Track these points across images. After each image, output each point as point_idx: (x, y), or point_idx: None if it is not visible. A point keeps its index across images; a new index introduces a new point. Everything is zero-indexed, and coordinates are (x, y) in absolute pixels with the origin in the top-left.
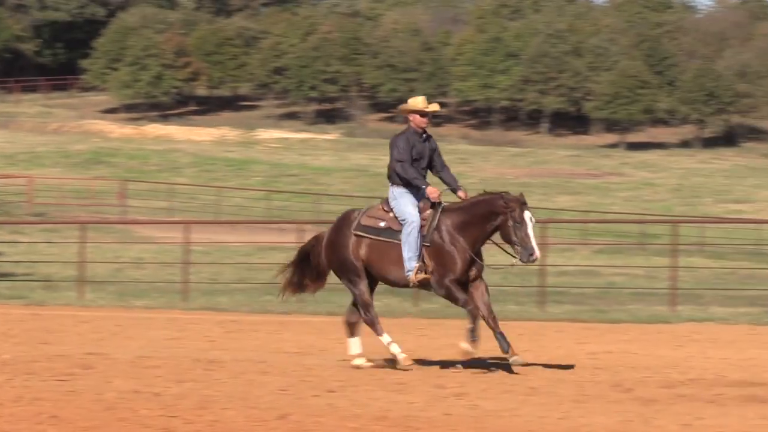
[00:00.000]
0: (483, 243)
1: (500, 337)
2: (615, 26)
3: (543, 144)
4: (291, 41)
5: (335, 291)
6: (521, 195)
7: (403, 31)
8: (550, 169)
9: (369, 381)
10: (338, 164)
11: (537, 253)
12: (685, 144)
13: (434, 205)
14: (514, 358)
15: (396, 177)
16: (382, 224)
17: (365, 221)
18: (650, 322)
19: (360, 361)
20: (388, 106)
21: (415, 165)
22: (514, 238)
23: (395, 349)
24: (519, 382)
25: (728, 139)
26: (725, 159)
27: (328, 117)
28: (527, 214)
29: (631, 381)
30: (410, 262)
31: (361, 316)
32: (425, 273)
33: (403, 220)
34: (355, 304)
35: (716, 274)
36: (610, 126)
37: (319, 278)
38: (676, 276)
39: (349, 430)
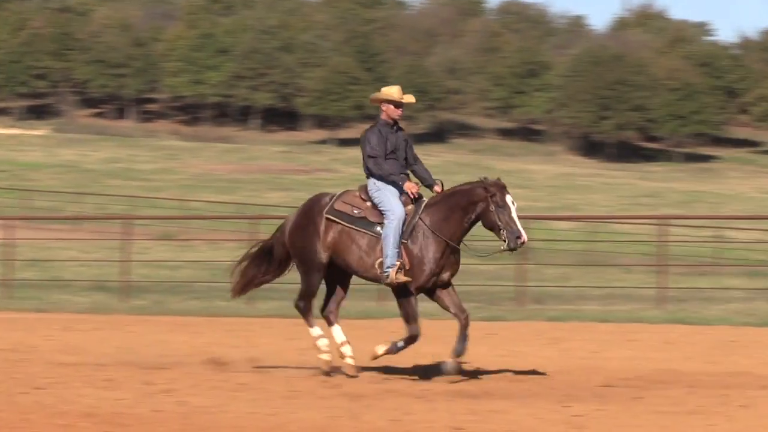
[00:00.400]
0: (465, 234)
1: (462, 339)
2: (326, 22)
3: (254, 140)
4: (0, 37)
5: (42, 288)
6: (499, 179)
7: (114, 26)
8: (260, 165)
9: (77, 378)
10: (48, 160)
11: (524, 236)
12: None
13: (415, 200)
14: (450, 364)
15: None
16: (357, 212)
17: (339, 206)
18: (359, 318)
19: (347, 349)
20: (98, 102)
21: (391, 158)
22: (499, 223)
23: (322, 343)
24: (228, 378)
25: (438, 135)
26: (435, 155)
27: (38, 113)
28: (509, 198)
29: (340, 376)
30: (390, 259)
31: (298, 302)
32: (404, 273)
33: (387, 211)
34: (328, 297)
35: None
36: (321, 122)
37: (280, 268)
38: None
39: (57, 427)
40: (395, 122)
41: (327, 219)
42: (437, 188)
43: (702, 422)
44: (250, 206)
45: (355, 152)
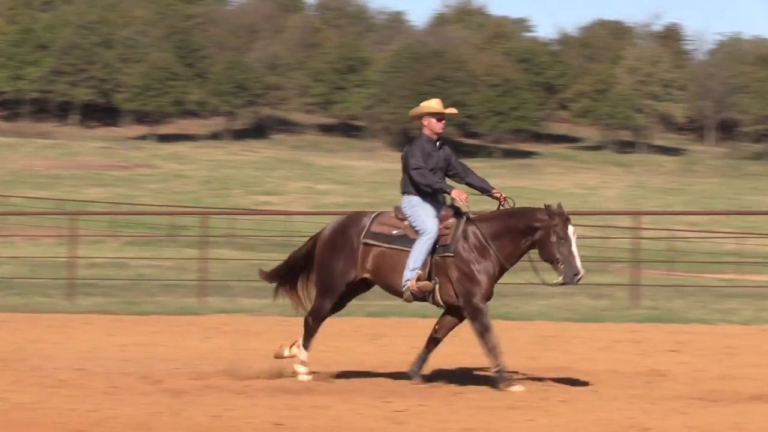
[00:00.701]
0: (516, 260)
1: (422, 358)
2: (146, 18)
3: (73, 136)
4: None
5: None
6: (560, 206)
7: None
8: (80, 161)
9: None
10: None
11: (582, 271)
12: (215, 136)
13: (457, 214)
14: (415, 379)
15: (412, 187)
16: (395, 232)
17: (376, 228)
18: (180, 314)
19: (301, 368)
20: None
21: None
22: (558, 256)
23: (300, 369)
24: (49, 374)
25: (258, 131)
26: (255, 151)
27: None
28: (570, 229)
29: (160, 373)
30: (411, 272)
31: (309, 319)
32: (427, 281)
33: (421, 230)
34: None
35: (246, 266)
36: (141, 118)
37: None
38: (206, 268)
39: None
40: (438, 138)
41: (365, 244)
42: (497, 193)
43: (522, 417)
44: (70, 202)
45: (176, 148)
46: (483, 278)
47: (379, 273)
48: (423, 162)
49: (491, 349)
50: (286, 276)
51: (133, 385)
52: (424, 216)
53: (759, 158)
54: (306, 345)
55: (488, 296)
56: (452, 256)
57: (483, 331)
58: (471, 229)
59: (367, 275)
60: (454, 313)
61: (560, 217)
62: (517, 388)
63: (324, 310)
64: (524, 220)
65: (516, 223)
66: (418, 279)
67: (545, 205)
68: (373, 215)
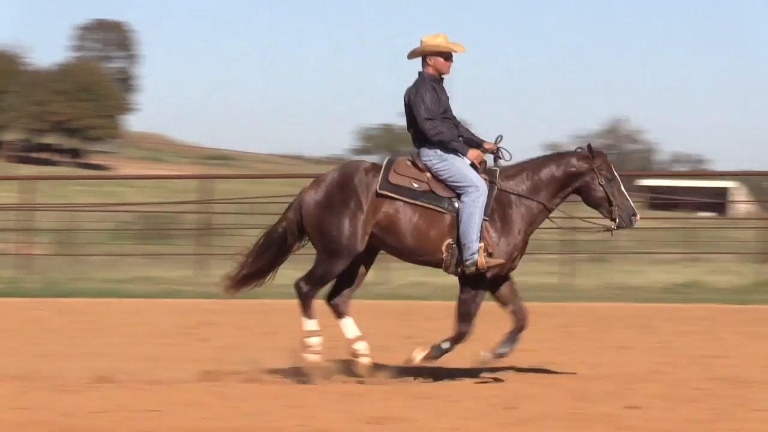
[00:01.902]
0: (546, 216)
1: (511, 341)
2: None
3: None
4: None
5: None
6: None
7: None
8: None
9: None
10: None
11: (638, 212)
12: None
13: (489, 171)
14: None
15: (425, 140)
16: (418, 185)
17: (395, 179)
18: None
19: (361, 346)
20: None
21: (445, 119)
22: (612, 199)
23: (314, 341)
24: None
25: None
26: None
27: None
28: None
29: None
30: (474, 243)
31: (302, 284)
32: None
33: (467, 186)
34: (342, 284)
35: None
36: None
37: (285, 256)
38: None
39: None
40: (441, 78)
41: (381, 195)
42: (488, 145)
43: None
44: None
45: None
46: (506, 249)
47: (391, 230)
48: (434, 109)
49: (464, 333)
50: (259, 261)
51: None
52: (463, 169)
53: None
54: (310, 314)
55: (512, 267)
56: (486, 220)
57: (468, 310)
58: (504, 186)
59: (373, 230)
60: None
61: (602, 157)
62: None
63: (327, 278)
64: (562, 167)
65: (553, 172)
66: (489, 253)
67: (582, 147)
68: (385, 162)
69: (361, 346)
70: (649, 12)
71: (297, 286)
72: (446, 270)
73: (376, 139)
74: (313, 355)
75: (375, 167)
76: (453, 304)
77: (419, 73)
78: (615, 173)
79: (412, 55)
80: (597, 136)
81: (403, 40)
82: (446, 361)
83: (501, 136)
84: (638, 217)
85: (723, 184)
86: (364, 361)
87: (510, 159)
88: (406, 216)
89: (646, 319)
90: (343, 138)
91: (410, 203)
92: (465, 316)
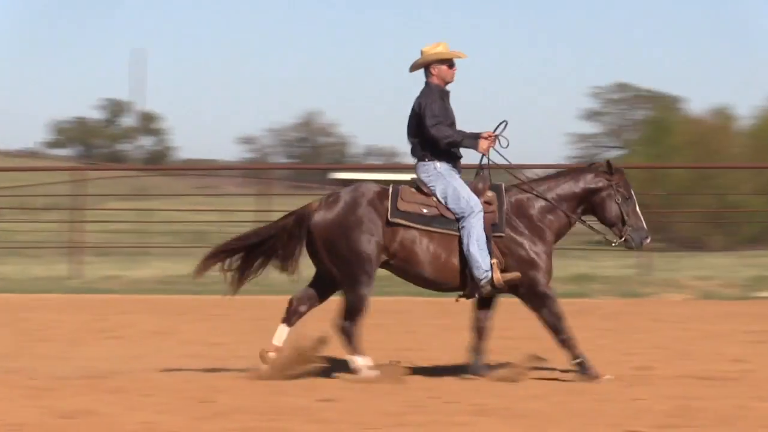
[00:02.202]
0: (566, 232)
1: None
2: None
3: None
4: None
5: None
6: (617, 165)
7: None
8: None
9: None
10: None
11: (649, 235)
12: None
13: (494, 186)
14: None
15: (432, 147)
16: (428, 211)
17: (405, 207)
18: None
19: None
20: None
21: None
22: (626, 218)
23: (368, 373)
24: None
25: None
26: None
27: None
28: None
29: None
30: (485, 260)
31: (340, 324)
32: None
33: (462, 211)
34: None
35: None
36: None
37: (263, 266)
38: None
39: None
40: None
41: (392, 224)
42: (485, 134)
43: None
44: None
45: None
46: (543, 260)
47: (407, 260)
48: (443, 116)
49: (566, 340)
50: (242, 250)
51: None
52: (460, 189)
53: None
54: (356, 351)
55: (550, 277)
56: (502, 236)
57: (555, 321)
58: (516, 200)
59: (391, 261)
60: (485, 304)
61: (621, 174)
62: (609, 377)
63: (361, 305)
64: (580, 183)
65: (571, 187)
66: (502, 270)
67: (602, 162)
68: (390, 189)
69: (272, 356)
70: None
71: (341, 328)
72: (468, 295)
73: (69, 132)
74: (370, 371)
75: (385, 192)
76: (146, 298)
77: (426, 83)
78: (632, 192)
79: (414, 67)
80: (291, 129)
81: (86, 31)
82: (141, 357)
83: (506, 122)
84: (649, 240)
85: (415, 176)
86: (263, 366)
87: (507, 146)
88: (423, 245)
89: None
90: (36, 131)
91: (424, 230)
92: (554, 329)
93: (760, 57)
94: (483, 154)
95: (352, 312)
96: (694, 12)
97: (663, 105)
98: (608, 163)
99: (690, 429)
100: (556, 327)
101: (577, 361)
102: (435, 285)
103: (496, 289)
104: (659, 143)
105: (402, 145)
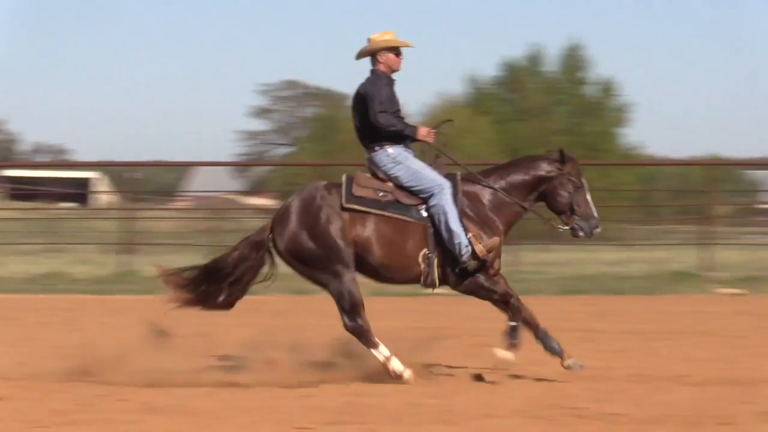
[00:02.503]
0: (518, 220)
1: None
2: None
3: None
4: None
5: None
6: (570, 153)
7: None
8: None
9: None
10: None
11: (600, 224)
12: None
13: (449, 175)
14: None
15: (378, 134)
16: (383, 195)
17: (360, 192)
18: None
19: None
20: None
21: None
22: (576, 207)
23: (397, 365)
24: None
25: None
26: None
27: None
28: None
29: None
30: (462, 237)
31: (347, 323)
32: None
33: (430, 186)
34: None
35: None
36: None
37: (243, 291)
38: None
39: None
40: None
41: (349, 210)
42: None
43: None
44: None
45: None
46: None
47: (366, 248)
48: (390, 102)
49: (515, 306)
50: (205, 283)
51: None
52: (421, 170)
53: None
54: (375, 343)
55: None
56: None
57: (508, 301)
58: (470, 189)
59: (355, 250)
60: None
61: (573, 163)
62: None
63: (354, 294)
64: (530, 170)
65: (522, 176)
66: (478, 240)
67: (554, 150)
68: (344, 178)
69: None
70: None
71: (349, 328)
72: (424, 283)
73: None
74: (407, 372)
75: (334, 185)
76: None
77: (371, 71)
78: (584, 182)
79: (361, 54)
80: None
81: None
82: None
83: (451, 120)
84: (600, 229)
85: (86, 174)
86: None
87: (445, 145)
88: (379, 231)
89: (7, 310)
90: None
91: (379, 215)
92: (514, 308)
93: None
94: (425, 142)
95: (349, 308)
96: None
97: (332, 102)
98: (561, 151)
99: (358, 426)
100: (514, 308)
101: (512, 324)
102: (390, 274)
103: (480, 261)
104: (328, 140)
105: (70, 143)
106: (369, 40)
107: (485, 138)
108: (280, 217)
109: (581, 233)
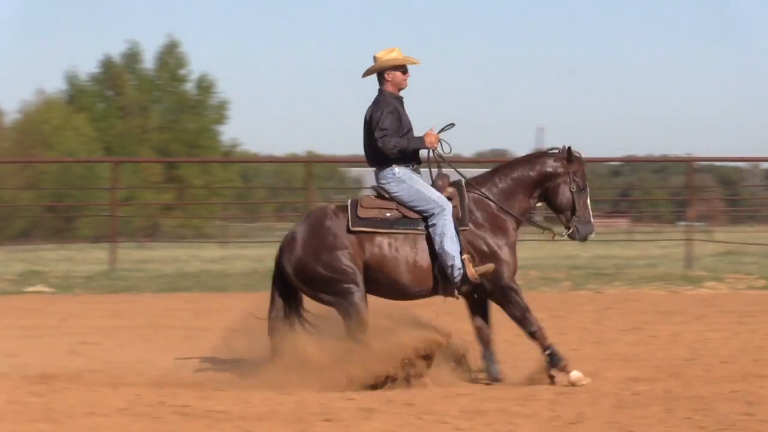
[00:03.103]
0: (525, 219)
1: (489, 357)
2: None
3: None
4: None
5: None
6: (578, 152)
7: None
8: None
9: None
10: None
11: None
12: None
13: (454, 182)
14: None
15: (384, 156)
16: (390, 214)
17: (364, 213)
18: None
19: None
20: None
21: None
22: (576, 207)
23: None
24: None
25: None
26: None
27: None
28: None
29: None
30: (456, 259)
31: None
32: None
33: (430, 206)
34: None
35: None
36: None
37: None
38: None
39: None
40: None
41: (356, 233)
42: (430, 133)
43: None
44: None
45: None
46: (506, 253)
47: (383, 270)
48: (395, 127)
49: (535, 332)
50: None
51: None
52: (423, 190)
53: None
54: None
55: (515, 270)
56: (466, 230)
57: (522, 313)
58: (475, 195)
59: (366, 274)
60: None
61: (580, 162)
62: (576, 374)
63: (362, 313)
64: (536, 167)
65: (527, 173)
66: (471, 263)
67: (562, 148)
68: (349, 203)
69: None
70: None
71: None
72: (443, 294)
73: None
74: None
75: (341, 208)
76: None
77: (379, 91)
78: (587, 184)
79: (368, 72)
80: None
81: None
82: None
83: (453, 124)
84: (593, 235)
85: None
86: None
87: (450, 151)
88: (391, 250)
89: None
90: None
91: (388, 234)
92: (521, 321)
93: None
94: (431, 149)
95: (355, 326)
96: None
97: None
98: (568, 149)
99: None
100: (523, 319)
101: (548, 352)
102: (408, 291)
103: (471, 284)
104: None
105: None
106: (375, 58)
107: (83, 135)
108: (289, 243)
109: (577, 236)
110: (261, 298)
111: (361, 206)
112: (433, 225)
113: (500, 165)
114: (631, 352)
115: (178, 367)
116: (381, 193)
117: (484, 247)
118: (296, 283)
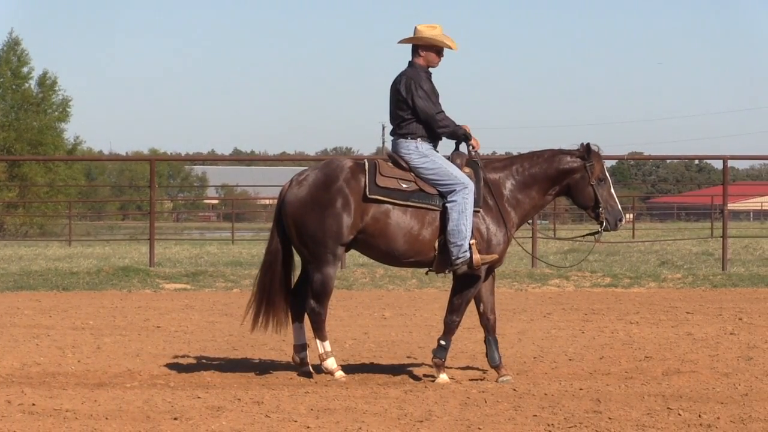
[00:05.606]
0: (540, 210)
1: (494, 344)
2: None
3: None
4: None
5: None
6: (596, 146)
7: None
8: None
9: None
10: None
11: (624, 216)
12: None
13: (471, 162)
14: (504, 378)
15: (419, 127)
16: (407, 186)
17: (383, 182)
18: None
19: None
20: None
21: None
22: (600, 200)
23: (332, 363)
24: None
25: None
26: None
27: None
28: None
29: None
30: (466, 241)
31: (309, 305)
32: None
33: (453, 183)
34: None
35: None
36: None
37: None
38: None
39: None
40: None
41: (371, 200)
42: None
43: None
44: None
45: None
46: (498, 243)
47: (380, 235)
48: (437, 101)
49: (454, 323)
50: (270, 291)
51: None
52: (447, 166)
53: None
54: (324, 335)
55: (498, 264)
56: (478, 212)
57: (462, 302)
58: (492, 178)
59: (359, 236)
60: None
61: (597, 156)
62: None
63: (329, 286)
64: (554, 164)
65: (545, 169)
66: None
67: (581, 145)
68: (367, 164)
69: (303, 356)
70: None
71: (310, 309)
72: (436, 270)
73: None
74: (339, 372)
75: (360, 167)
76: None
77: (411, 63)
78: (607, 174)
79: (405, 41)
80: None
81: None
82: None
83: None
84: (624, 221)
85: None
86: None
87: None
88: (397, 219)
89: None
90: None
91: (401, 206)
92: (458, 307)
93: None
94: (469, 144)
95: (319, 293)
96: None
97: None
98: (587, 146)
99: None
100: (458, 308)
101: (443, 342)
102: (401, 259)
103: (469, 269)
104: None
105: None
106: (416, 29)
107: None
108: (299, 181)
109: (609, 226)
110: (106, 297)
111: (381, 173)
112: (453, 201)
113: (518, 156)
114: (478, 350)
115: (25, 366)
116: (399, 162)
117: (484, 233)
118: (286, 217)
